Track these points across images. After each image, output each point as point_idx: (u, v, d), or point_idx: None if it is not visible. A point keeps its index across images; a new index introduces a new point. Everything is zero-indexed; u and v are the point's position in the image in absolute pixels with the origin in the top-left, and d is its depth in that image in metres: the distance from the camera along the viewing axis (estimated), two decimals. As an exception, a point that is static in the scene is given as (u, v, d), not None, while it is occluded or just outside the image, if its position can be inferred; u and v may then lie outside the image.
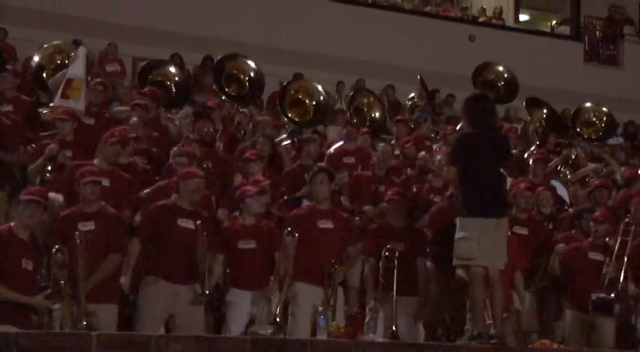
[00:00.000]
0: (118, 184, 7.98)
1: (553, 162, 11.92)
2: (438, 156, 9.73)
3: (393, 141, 11.71)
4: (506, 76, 14.03)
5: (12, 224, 6.68)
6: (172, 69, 12.57)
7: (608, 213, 9.03)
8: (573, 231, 9.17)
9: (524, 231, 8.78)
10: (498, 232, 7.07)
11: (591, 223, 8.81)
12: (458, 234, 7.07)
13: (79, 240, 6.70)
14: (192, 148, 9.09)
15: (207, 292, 7.23)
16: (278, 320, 7.27)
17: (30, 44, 13.55)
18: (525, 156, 11.65)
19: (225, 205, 8.74)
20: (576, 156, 12.20)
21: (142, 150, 9.18)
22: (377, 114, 12.83)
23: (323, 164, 9.42)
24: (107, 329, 6.46)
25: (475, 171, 7.07)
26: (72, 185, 7.60)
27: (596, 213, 8.95)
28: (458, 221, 7.14)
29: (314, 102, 12.23)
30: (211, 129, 10.00)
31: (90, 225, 7.09)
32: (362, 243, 8.27)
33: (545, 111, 13.32)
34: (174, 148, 9.03)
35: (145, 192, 8.28)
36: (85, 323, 6.40)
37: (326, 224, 7.91)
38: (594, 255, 8.67)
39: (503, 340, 6.98)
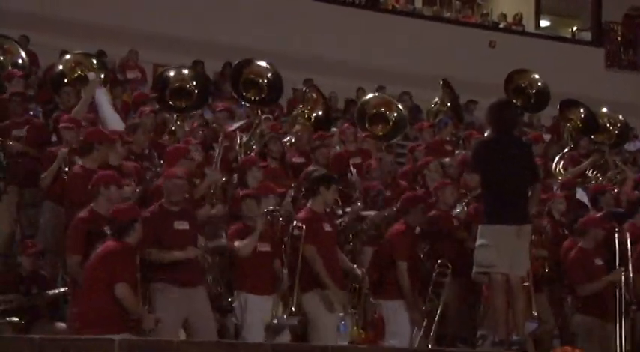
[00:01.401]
0: None
1: (581, 166, 11.88)
2: (435, 161, 9.70)
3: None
4: (539, 84, 13.88)
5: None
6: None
7: (602, 218, 8.97)
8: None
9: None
10: (520, 239, 7.03)
11: (590, 229, 8.73)
12: (478, 241, 7.07)
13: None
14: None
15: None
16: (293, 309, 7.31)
17: (52, 52, 13.62)
18: (556, 158, 11.61)
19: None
20: (605, 161, 12.13)
21: (137, 155, 9.18)
22: (396, 114, 12.70)
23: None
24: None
25: (495, 178, 7.03)
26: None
27: (592, 218, 8.90)
28: (479, 228, 7.13)
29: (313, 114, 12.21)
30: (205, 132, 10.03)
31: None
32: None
33: (581, 110, 13.20)
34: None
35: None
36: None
37: (329, 227, 7.95)
38: (598, 261, 8.64)
39: (525, 346, 6.95)
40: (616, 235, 8.52)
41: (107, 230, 6.89)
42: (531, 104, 13.68)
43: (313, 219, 7.87)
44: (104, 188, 7.24)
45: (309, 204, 8.03)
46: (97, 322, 6.48)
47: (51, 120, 9.87)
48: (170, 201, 7.41)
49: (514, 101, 12.44)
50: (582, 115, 12.99)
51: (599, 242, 8.66)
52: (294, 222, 7.66)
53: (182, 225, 7.40)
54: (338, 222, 8.61)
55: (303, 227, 7.57)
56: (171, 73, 11.60)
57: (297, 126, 11.30)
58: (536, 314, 7.94)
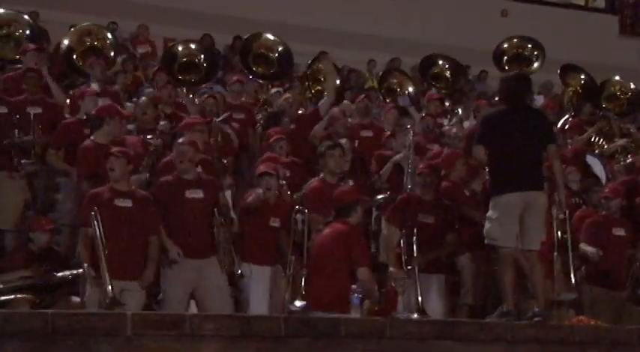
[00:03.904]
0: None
1: (587, 133, 11.78)
2: (454, 130, 9.67)
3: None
4: (517, 42, 13.75)
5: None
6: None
7: (619, 188, 8.92)
8: (584, 207, 9.10)
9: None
10: (530, 210, 6.91)
11: (602, 200, 8.74)
12: (488, 213, 7.03)
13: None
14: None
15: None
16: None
17: (61, 27, 13.57)
18: (559, 125, 11.50)
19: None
20: (610, 127, 12.04)
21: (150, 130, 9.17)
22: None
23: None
24: (136, 307, 6.60)
25: (501, 149, 6.95)
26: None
27: (606, 190, 8.86)
28: (491, 200, 7.07)
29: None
30: (215, 107, 9.99)
31: (127, 202, 7.16)
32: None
33: (582, 77, 13.07)
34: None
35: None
36: (110, 297, 6.49)
37: None
38: (617, 231, 8.61)
39: (547, 319, 6.89)
40: None
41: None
42: (531, 63, 13.50)
43: (322, 187, 7.92)
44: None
45: (321, 175, 8.12)
46: (327, 302, 6.68)
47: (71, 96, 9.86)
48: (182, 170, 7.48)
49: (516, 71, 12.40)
50: (582, 81, 12.89)
51: (621, 211, 8.70)
52: (297, 207, 7.69)
53: (195, 194, 7.45)
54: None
55: (305, 210, 7.55)
56: (180, 48, 11.58)
57: (288, 95, 11.34)
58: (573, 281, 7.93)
